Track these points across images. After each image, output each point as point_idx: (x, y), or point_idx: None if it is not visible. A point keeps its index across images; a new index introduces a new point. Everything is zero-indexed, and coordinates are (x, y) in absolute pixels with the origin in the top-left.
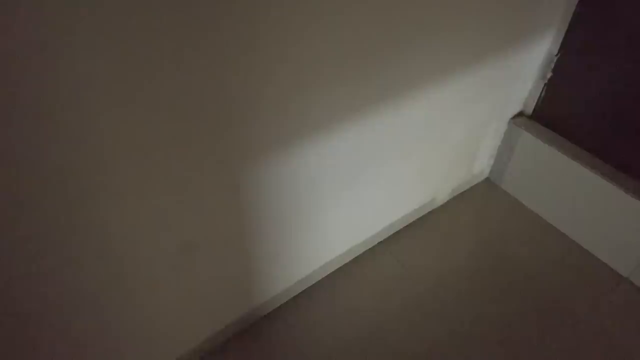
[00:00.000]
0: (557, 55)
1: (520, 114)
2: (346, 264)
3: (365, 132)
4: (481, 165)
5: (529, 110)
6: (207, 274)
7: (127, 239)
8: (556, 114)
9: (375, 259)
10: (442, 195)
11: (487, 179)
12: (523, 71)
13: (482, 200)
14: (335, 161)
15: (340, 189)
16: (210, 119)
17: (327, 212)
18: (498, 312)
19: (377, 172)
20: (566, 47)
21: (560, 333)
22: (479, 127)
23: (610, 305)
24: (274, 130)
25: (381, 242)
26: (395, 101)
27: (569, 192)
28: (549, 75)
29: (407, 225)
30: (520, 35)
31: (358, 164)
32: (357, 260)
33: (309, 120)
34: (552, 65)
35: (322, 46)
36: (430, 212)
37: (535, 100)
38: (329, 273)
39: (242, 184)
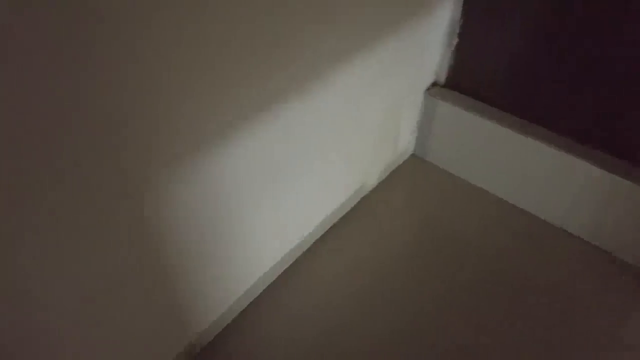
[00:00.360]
0: (460, 20)
1: (434, 84)
2: (286, 270)
3: (279, 127)
4: (405, 142)
5: (442, 79)
6: (126, 320)
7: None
8: (468, 79)
9: (315, 260)
10: (372, 179)
11: (413, 155)
12: (429, 40)
13: (411, 177)
14: (251, 163)
15: (262, 193)
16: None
17: (254, 219)
18: (450, 289)
19: (301, 167)
20: (468, 11)
21: (524, 301)
22: (396, 104)
23: (561, 262)
24: (176, 138)
25: (317, 240)
26: (306, 90)
27: (493, 153)
28: (455, 41)
29: (341, 218)
30: (420, 4)
31: (277, 162)
32: (297, 264)
33: (212, 125)
34: (457, 31)
35: (212, 43)
36: (362, 199)
37: (446, 69)
38: (269, 283)
39: (146, 206)
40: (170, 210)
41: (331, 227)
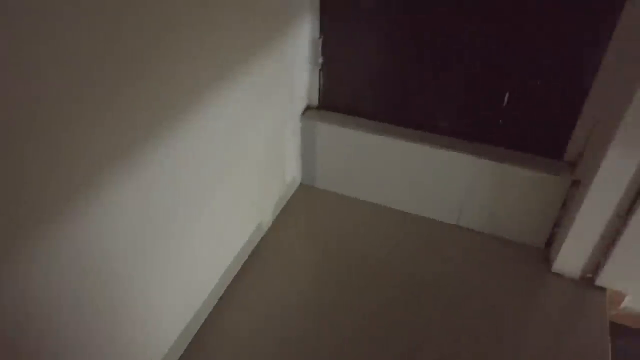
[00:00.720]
0: (320, 38)
1: (308, 108)
2: (196, 335)
3: (153, 179)
4: (292, 172)
5: (315, 101)
6: None
7: None
8: (340, 97)
9: (223, 318)
10: (266, 216)
11: (302, 184)
12: (294, 63)
13: (304, 207)
14: (130, 223)
15: (152, 253)
16: None
17: (147, 289)
18: (371, 307)
19: (190, 220)
20: (325, 29)
21: (444, 302)
22: (275, 134)
23: (467, 257)
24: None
25: (222, 297)
26: (172, 133)
27: (379, 166)
28: (320, 60)
29: (243, 265)
30: (277, 27)
31: (163, 219)
32: (205, 327)
33: (76, 177)
34: (320, 49)
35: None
36: (261, 241)
37: (317, 89)
38: (180, 355)
39: None
40: (24, 292)
41: (235, 277)
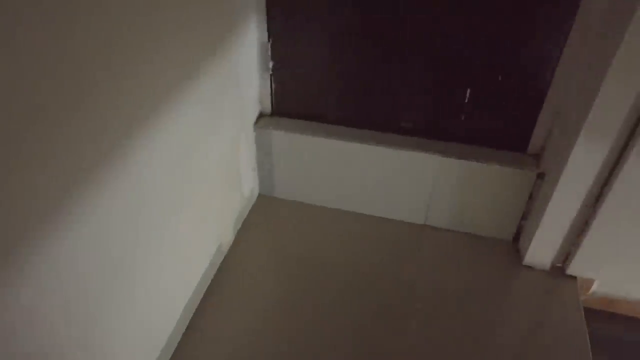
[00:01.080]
0: (269, 42)
1: (262, 115)
2: None
3: (104, 208)
4: (249, 184)
5: (268, 108)
6: None
7: None
8: (294, 102)
9: (189, 354)
10: (227, 236)
11: (261, 196)
12: (244, 69)
13: (266, 219)
14: (89, 261)
15: (110, 293)
16: None
17: (106, 338)
18: (346, 317)
19: (148, 254)
20: (273, 31)
21: (419, 305)
22: (229, 148)
23: (437, 257)
24: None
25: (186, 330)
26: (119, 161)
27: (340, 171)
28: (271, 64)
29: (206, 291)
30: (222, 34)
31: (124, 247)
32: None
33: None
34: (270, 53)
35: None
36: (223, 262)
37: (270, 95)
38: None
39: None
40: None
41: (198, 307)
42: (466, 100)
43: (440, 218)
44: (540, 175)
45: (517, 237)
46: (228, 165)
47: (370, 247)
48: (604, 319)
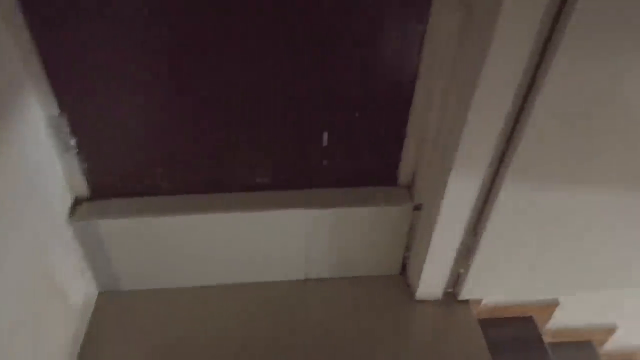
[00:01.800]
0: (61, 115)
1: (77, 202)
2: None
3: None
4: (80, 289)
5: (84, 190)
6: None
7: None
8: (116, 176)
9: None
10: None
11: (103, 294)
12: (36, 157)
13: (115, 321)
14: None
15: None
16: None
17: None
18: None
19: None
20: (66, 100)
21: None
22: (36, 258)
23: (317, 308)
24: None
25: None
26: None
27: (192, 245)
28: (73, 141)
29: None
30: None
31: None
32: None
33: None
34: (68, 129)
35: None
36: None
37: (82, 177)
38: None
39: None
40: None
41: None
42: (325, 145)
43: (322, 269)
44: (418, 207)
45: (404, 270)
46: (39, 280)
47: (251, 316)
48: (498, 324)
